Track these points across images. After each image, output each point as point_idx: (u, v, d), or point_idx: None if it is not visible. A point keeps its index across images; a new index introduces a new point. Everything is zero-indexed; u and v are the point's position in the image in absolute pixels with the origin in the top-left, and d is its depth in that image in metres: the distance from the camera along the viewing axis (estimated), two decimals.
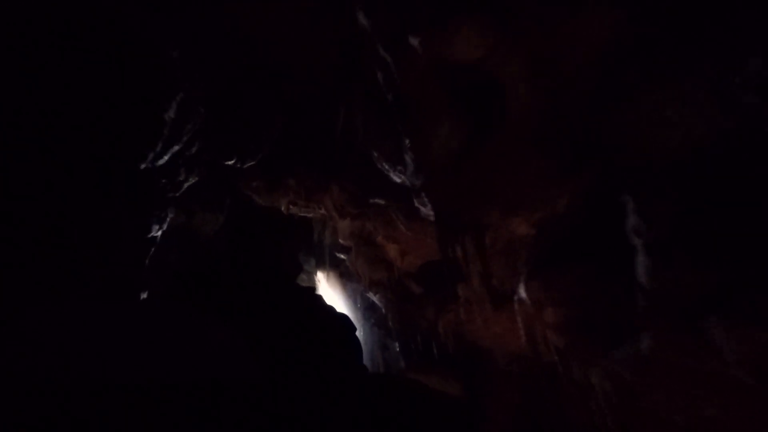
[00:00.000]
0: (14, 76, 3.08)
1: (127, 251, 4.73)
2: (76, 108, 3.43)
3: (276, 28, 4.55)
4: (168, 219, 5.44)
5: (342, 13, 4.26)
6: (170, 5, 3.88)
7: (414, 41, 3.65)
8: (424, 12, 3.53)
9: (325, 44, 4.67)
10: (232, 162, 5.61)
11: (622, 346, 3.48)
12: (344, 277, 10.89)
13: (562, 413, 5.22)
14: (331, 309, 7.15)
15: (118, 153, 3.67)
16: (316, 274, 11.75)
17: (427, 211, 4.85)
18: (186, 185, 5.37)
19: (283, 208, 7.77)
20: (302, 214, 9.13)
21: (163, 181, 4.81)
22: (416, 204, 4.85)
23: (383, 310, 9.29)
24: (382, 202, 6.65)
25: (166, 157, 4.17)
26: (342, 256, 10.04)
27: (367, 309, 10.49)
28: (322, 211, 8.07)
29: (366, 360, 10.16)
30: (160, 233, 5.76)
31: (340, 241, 9.28)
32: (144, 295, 5.61)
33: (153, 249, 5.64)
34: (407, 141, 3.76)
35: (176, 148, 4.19)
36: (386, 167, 5.57)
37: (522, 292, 4.53)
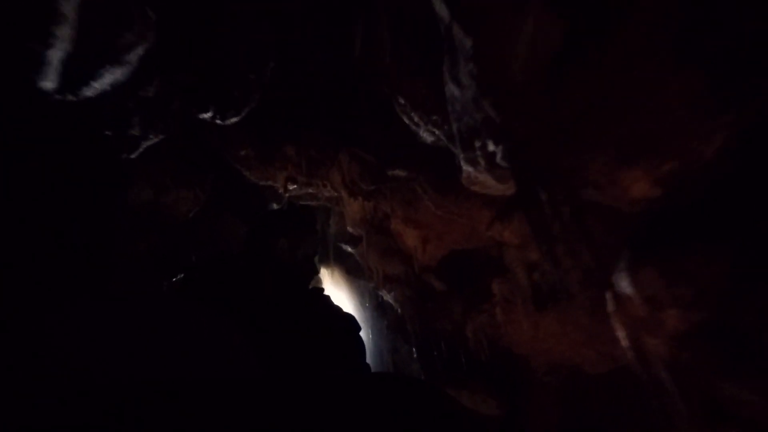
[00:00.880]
0: None
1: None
2: None
3: None
4: (123, 195, 4.03)
5: None
6: None
7: None
8: None
9: None
10: (209, 115, 4.18)
11: None
12: (351, 273, 9.58)
13: None
14: (337, 309, 5.82)
15: None
16: (319, 271, 10.43)
17: (477, 171, 3.41)
18: (145, 144, 3.94)
19: (279, 187, 6.32)
20: (302, 202, 7.76)
21: (106, 132, 3.40)
22: (462, 162, 3.42)
23: (399, 311, 7.96)
24: (403, 173, 5.23)
25: (95, 85, 2.76)
26: (349, 249, 8.69)
27: (378, 309, 9.26)
28: (327, 191, 6.63)
29: (376, 365, 9.00)
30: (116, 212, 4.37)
31: (348, 229, 7.89)
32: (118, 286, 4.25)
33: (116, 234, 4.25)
34: (469, 43, 2.33)
35: (113, 70, 2.78)
36: (416, 120, 4.15)
37: (623, 284, 3.14)
